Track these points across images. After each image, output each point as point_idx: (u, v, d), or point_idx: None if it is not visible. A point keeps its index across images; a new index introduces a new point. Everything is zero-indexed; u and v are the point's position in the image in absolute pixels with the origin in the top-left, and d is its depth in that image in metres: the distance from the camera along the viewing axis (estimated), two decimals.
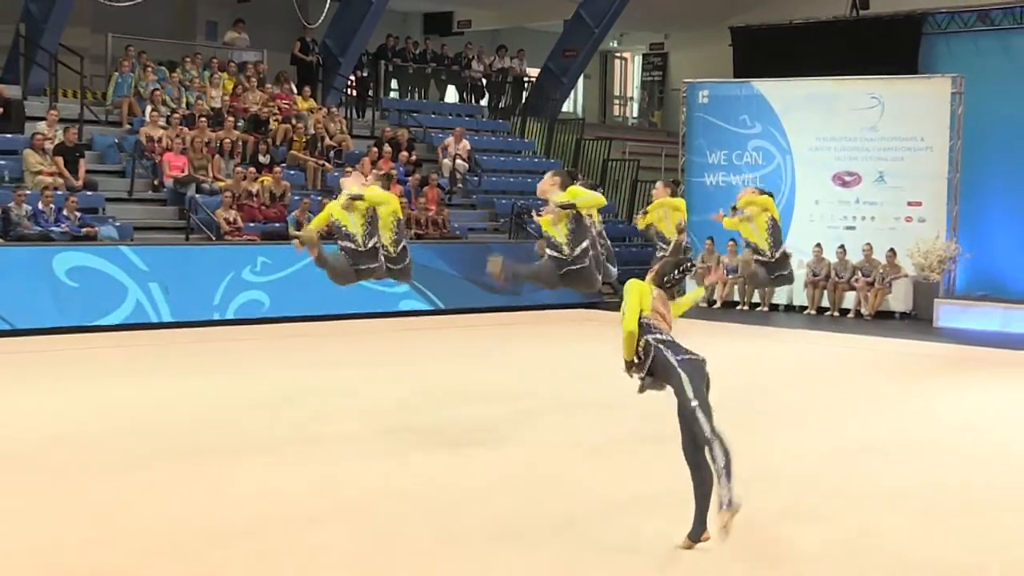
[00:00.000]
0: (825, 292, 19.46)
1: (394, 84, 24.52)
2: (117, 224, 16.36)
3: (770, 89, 20.80)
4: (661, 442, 6.75)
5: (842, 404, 11.07)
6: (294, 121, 20.07)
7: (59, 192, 16.09)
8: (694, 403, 6.10)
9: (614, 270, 10.49)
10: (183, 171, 17.78)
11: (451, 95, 25.84)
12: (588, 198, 8.76)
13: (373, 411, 10.09)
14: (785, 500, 7.48)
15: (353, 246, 9.22)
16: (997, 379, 13.20)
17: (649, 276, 6.58)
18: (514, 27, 27.40)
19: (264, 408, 10.18)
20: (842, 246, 19.51)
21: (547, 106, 25.22)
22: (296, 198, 18.21)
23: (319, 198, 18.35)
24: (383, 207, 9.50)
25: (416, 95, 24.48)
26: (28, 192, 15.71)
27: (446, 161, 21.54)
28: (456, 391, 11.14)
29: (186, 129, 18.43)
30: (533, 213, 9.34)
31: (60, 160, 16.79)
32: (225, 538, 6.49)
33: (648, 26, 28.57)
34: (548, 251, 9.00)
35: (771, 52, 22.93)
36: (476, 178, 21.87)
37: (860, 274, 19.23)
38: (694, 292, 7.17)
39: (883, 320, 18.69)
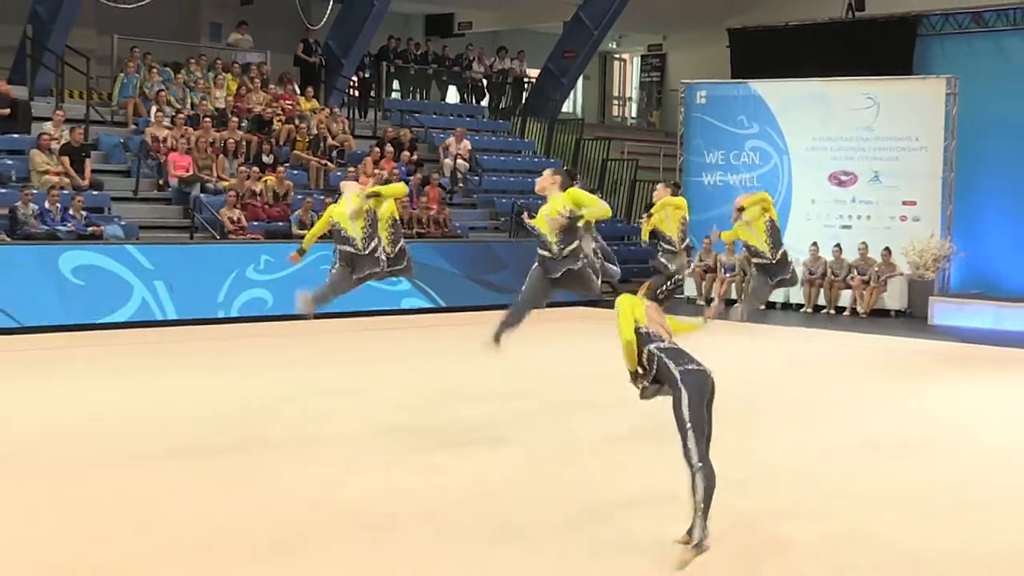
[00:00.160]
0: (821, 290, 19.41)
1: (396, 85, 24.47)
2: (122, 223, 16.33)
3: (767, 90, 20.73)
4: (661, 442, 6.68)
5: (839, 401, 11.02)
6: (297, 121, 20.03)
7: (65, 191, 16.03)
8: (688, 425, 5.88)
9: (616, 269, 10.39)
10: (187, 171, 17.74)
11: (452, 96, 25.80)
12: (596, 210, 8.60)
13: (373, 410, 10.03)
14: (783, 498, 7.44)
15: (352, 250, 9.00)
16: (991, 376, 13.17)
17: (640, 291, 6.46)
18: (514, 29, 27.35)
19: (265, 407, 10.12)
20: (838, 245, 19.46)
21: (547, 106, 25.17)
22: (299, 197, 18.19)
23: (322, 197, 18.33)
24: (383, 207, 9.35)
25: (417, 96, 24.43)
26: (35, 191, 15.66)
27: (447, 161, 21.49)
28: (456, 390, 11.07)
29: (190, 129, 18.39)
30: (526, 216, 9.20)
31: (66, 160, 16.74)
32: (225, 536, 6.44)
33: (647, 28, 28.51)
34: (539, 250, 8.87)
35: (768, 53, 22.89)
36: (477, 178, 21.82)
37: (856, 272, 19.19)
38: (693, 322, 6.87)
39: (878, 318, 18.65)
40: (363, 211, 8.99)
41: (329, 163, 19.67)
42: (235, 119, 19.23)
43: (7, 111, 17.42)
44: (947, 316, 17.99)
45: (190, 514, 6.84)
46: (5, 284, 14.25)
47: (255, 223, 17.46)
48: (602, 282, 10.22)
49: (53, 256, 14.68)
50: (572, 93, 28.00)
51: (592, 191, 11.32)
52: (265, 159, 18.78)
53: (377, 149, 20.11)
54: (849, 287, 19.18)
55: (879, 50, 21.40)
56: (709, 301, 19.69)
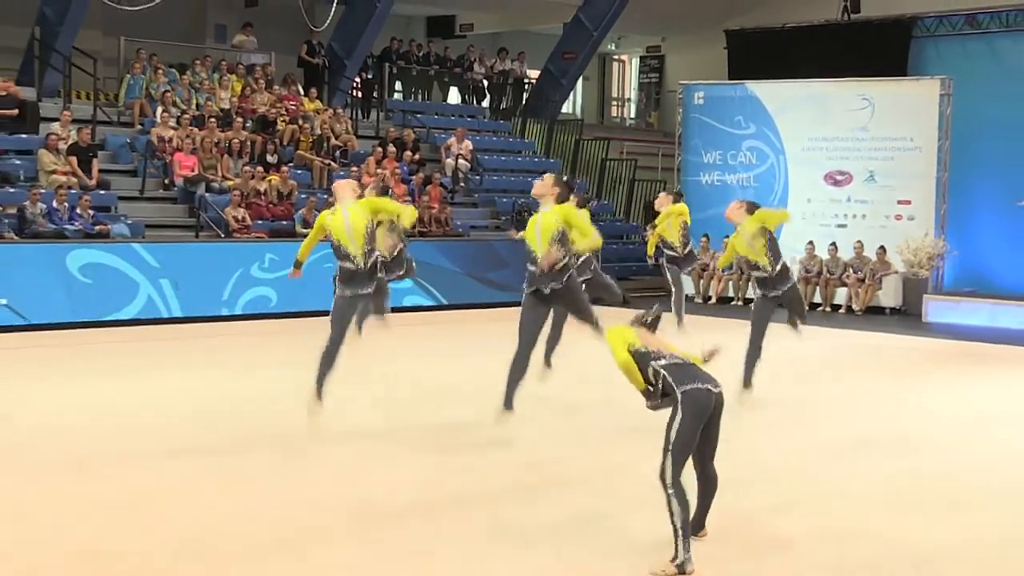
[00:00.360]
0: (817, 288, 19.39)
1: (398, 86, 24.43)
2: (129, 222, 16.32)
3: (764, 91, 20.71)
4: (661, 442, 6.64)
5: (838, 399, 10.99)
6: (301, 122, 20.01)
7: (73, 191, 16.03)
8: (671, 446, 5.82)
9: (618, 291, 10.23)
10: (193, 170, 17.72)
11: (453, 96, 25.76)
12: (586, 242, 8.29)
13: (374, 409, 9.99)
14: (782, 496, 7.42)
15: (352, 267, 8.27)
16: (987, 373, 13.15)
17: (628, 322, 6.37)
18: (515, 30, 27.31)
19: (267, 405, 10.10)
20: (834, 243, 19.45)
21: (547, 107, 25.14)
22: (303, 197, 18.18)
23: (325, 197, 18.30)
24: (382, 214, 8.90)
25: (419, 96, 24.40)
26: (43, 191, 15.66)
27: (449, 161, 21.47)
28: (457, 389, 11.02)
29: (196, 130, 18.37)
30: (512, 233, 8.92)
31: (74, 160, 16.73)
32: (225, 535, 6.42)
33: (645, 29, 28.48)
34: (528, 265, 8.35)
35: (765, 55, 22.86)
36: (478, 177, 21.80)
37: (851, 270, 19.18)
38: (695, 357, 6.73)
39: (873, 315, 18.63)
40: (369, 231, 8.39)
41: (332, 163, 19.65)
42: (240, 119, 19.21)
43: (15, 112, 17.40)
44: (941, 313, 18.01)
45: (191, 513, 6.83)
46: (14, 282, 14.25)
47: (259, 222, 17.45)
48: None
49: (61, 254, 14.68)
50: (572, 94, 27.96)
51: (587, 204, 10.89)
52: (269, 159, 18.77)
53: (380, 149, 20.10)
54: (845, 285, 19.17)
55: (874, 52, 21.39)
56: (707, 299, 19.72)
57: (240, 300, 16.02)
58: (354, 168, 19.32)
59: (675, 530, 5.81)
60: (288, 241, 16.80)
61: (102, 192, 16.82)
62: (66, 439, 8.67)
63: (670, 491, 5.81)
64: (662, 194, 12.42)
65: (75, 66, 18.54)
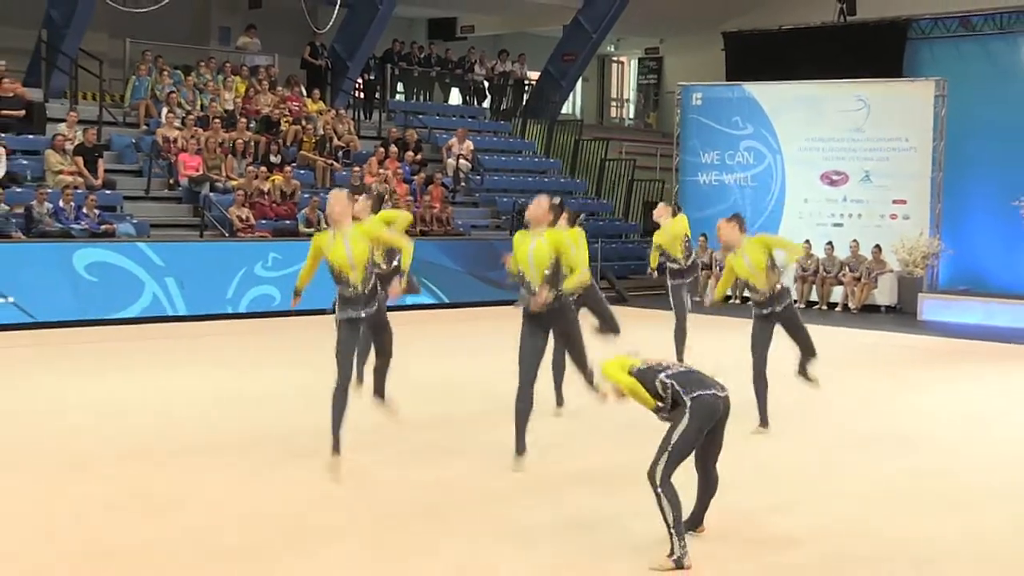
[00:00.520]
0: (814, 287, 19.39)
1: (400, 87, 24.40)
2: (134, 221, 16.31)
3: (761, 92, 20.69)
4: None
5: (835, 397, 10.92)
6: (304, 122, 19.99)
7: (79, 191, 16.00)
8: (670, 448, 5.82)
9: (617, 325, 10.05)
10: (197, 170, 17.71)
11: (455, 97, 25.74)
12: (576, 282, 7.92)
13: (375, 407, 9.93)
14: (780, 495, 7.39)
15: (351, 292, 7.67)
16: (982, 371, 13.12)
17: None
18: (515, 32, 27.28)
19: (269, 402, 10.08)
20: (830, 242, 19.44)
21: (547, 108, 25.12)
22: (306, 196, 18.15)
23: (328, 196, 18.26)
24: (383, 244, 8.52)
25: (421, 97, 24.38)
26: (49, 191, 15.64)
27: (450, 161, 21.45)
28: (457, 388, 10.97)
29: (200, 130, 18.35)
30: (505, 260, 8.49)
31: (80, 160, 16.71)
32: (225, 534, 6.41)
33: (644, 31, 28.45)
34: (521, 290, 8.02)
35: (762, 56, 22.83)
36: (479, 177, 21.78)
37: (847, 269, 19.17)
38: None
39: (869, 313, 18.62)
40: (371, 260, 7.90)
41: (335, 163, 19.64)
42: (244, 120, 19.19)
43: (23, 113, 17.39)
44: (935, 312, 17.99)
45: (194, 511, 6.80)
46: (21, 280, 14.24)
47: (263, 221, 17.43)
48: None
49: (67, 253, 14.67)
50: (571, 95, 27.93)
51: (578, 219, 10.56)
52: (273, 159, 18.75)
53: (382, 149, 20.09)
54: (841, 283, 19.16)
55: (870, 53, 21.35)
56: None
57: (244, 298, 16.01)
58: (356, 168, 19.30)
59: (668, 527, 5.81)
60: (291, 240, 16.81)
61: (108, 192, 16.80)
62: (71, 437, 8.63)
63: (659, 489, 5.80)
64: (661, 204, 12.12)
65: (81, 68, 18.52)
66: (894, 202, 19.52)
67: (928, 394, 11.44)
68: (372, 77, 23.04)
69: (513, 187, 22.11)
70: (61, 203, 15.47)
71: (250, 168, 18.15)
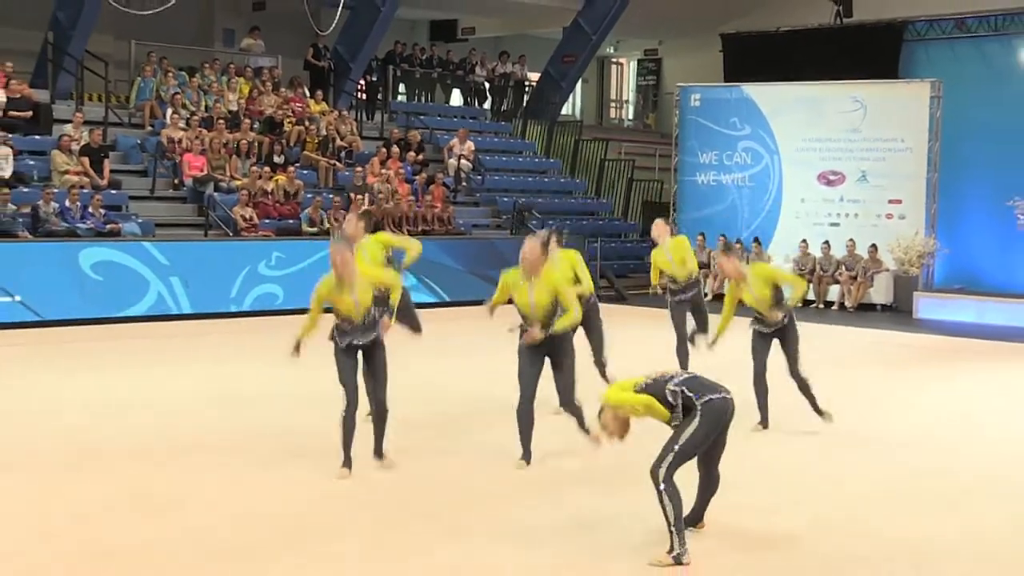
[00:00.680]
0: (810, 285, 19.31)
1: (402, 88, 24.36)
2: (140, 221, 16.27)
3: (759, 93, 20.62)
4: (662, 442, 6.56)
5: (834, 396, 10.80)
6: (307, 123, 19.94)
7: (85, 191, 15.97)
8: (676, 449, 5.79)
9: (605, 359, 10.02)
10: (202, 170, 17.66)
11: (456, 98, 25.69)
12: (568, 321, 7.71)
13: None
14: (780, 493, 7.33)
15: (350, 325, 7.64)
16: (978, 369, 13.05)
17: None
18: (516, 34, 27.24)
19: (271, 401, 10.00)
20: (827, 242, 19.38)
21: (547, 109, 25.07)
22: (309, 196, 18.13)
23: (331, 196, 18.26)
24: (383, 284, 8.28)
25: (423, 98, 24.34)
26: (56, 191, 15.60)
27: (451, 161, 21.41)
28: (456, 387, 10.88)
29: (205, 131, 18.30)
30: (491, 306, 8.36)
31: (86, 160, 16.66)
32: (226, 532, 6.34)
33: (643, 33, 28.39)
34: (521, 322, 7.93)
35: (760, 58, 22.76)
36: (480, 177, 21.73)
37: (844, 268, 19.11)
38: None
39: (865, 312, 18.57)
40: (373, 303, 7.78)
41: (338, 163, 19.60)
42: (247, 121, 19.14)
43: (29, 114, 17.35)
44: (931, 310, 17.94)
45: (194, 510, 6.74)
46: (27, 279, 14.20)
47: (267, 221, 17.39)
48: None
49: (73, 252, 14.62)
50: (571, 96, 27.87)
51: (563, 236, 10.43)
52: (276, 159, 18.70)
53: (384, 150, 20.04)
54: (837, 282, 19.11)
55: (866, 55, 21.28)
56: (704, 296, 19.60)
57: (248, 297, 15.97)
58: (358, 168, 19.25)
59: (669, 525, 5.77)
60: (294, 239, 16.77)
61: (113, 192, 16.76)
62: (75, 435, 8.57)
63: (661, 487, 5.77)
64: (659, 221, 11.54)
65: (87, 69, 18.48)
66: (890, 202, 19.45)
67: (925, 392, 11.38)
68: (374, 78, 22.99)
69: (514, 187, 22.08)
70: (67, 203, 15.41)
71: (254, 168, 18.09)
